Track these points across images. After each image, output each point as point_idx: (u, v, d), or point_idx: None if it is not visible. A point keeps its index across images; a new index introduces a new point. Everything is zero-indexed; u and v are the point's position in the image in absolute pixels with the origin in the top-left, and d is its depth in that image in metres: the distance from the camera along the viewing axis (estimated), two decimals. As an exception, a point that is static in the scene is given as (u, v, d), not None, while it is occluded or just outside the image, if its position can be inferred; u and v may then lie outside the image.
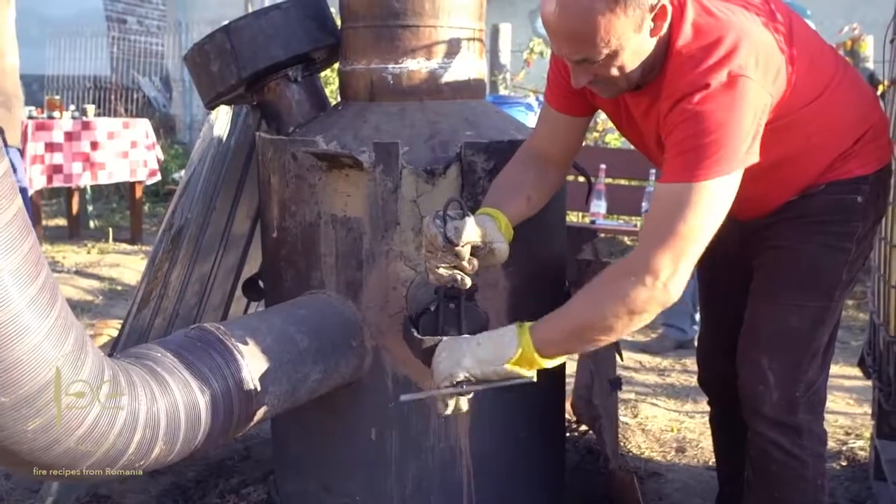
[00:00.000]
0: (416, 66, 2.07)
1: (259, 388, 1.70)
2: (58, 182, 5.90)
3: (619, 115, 1.83)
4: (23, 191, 3.12)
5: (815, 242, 1.79)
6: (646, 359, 4.07)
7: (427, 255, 1.67)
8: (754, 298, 1.89)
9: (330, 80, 5.46)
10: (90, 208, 7.30)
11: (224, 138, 2.27)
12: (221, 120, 2.25)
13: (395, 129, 2.02)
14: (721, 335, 2.06)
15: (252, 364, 1.69)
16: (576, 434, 2.91)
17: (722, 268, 2.02)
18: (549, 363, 1.62)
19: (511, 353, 1.59)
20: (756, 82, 1.53)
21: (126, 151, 6.26)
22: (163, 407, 1.48)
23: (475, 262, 1.67)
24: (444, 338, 1.66)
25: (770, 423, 1.83)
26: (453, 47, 2.09)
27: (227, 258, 2.43)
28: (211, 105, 2.23)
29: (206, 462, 2.62)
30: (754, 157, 1.56)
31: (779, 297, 1.83)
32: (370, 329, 1.97)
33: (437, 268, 1.65)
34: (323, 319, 1.93)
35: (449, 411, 1.65)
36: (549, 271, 2.13)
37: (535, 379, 1.62)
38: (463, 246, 1.62)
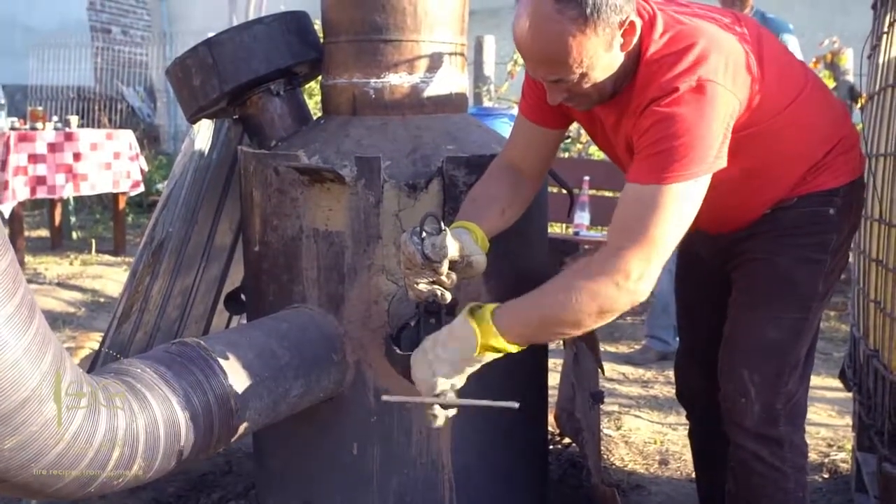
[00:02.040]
0: (399, 81, 2.07)
1: (240, 404, 1.69)
2: (41, 194, 5.86)
3: (593, 126, 1.86)
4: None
5: (790, 255, 1.81)
6: (629, 370, 4.07)
7: (406, 272, 1.68)
8: (732, 312, 1.90)
9: (314, 91, 5.46)
10: (73, 219, 7.26)
11: (206, 152, 2.26)
12: (203, 133, 2.25)
13: (377, 144, 2.02)
14: (698, 350, 2.08)
15: (233, 379, 1.69)
16: (559, 447, 2.91)
17: (698, 283, 2.05)
18: (515, 348, 1.64)
19: (473, 342, 1.61)
20: (725, 88, 1.56)
21: (109, 163, 6.23)
22: (142, 424, 1.47)
23: (454, 276, 1.68)
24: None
25: (751, 436, 1.84)
26: (435, 62, 2.10)
27: (209, 271, 2.42)
28: (193, 119, 2.22)
29: (188, 477, 2.60)
30: (722, 163, 1.59)
31: (756, 309, 1.85)
32: (352, 343, 1.96)
33: (417, 284, 1.66)
34: (304, 334, 1.92)
35: (440, 423, 1.66)
36: (531, 284, 2.12)
37: (517, 406, 1.63)
38: (441, 262, 1.62)
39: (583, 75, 1.59)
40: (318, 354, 1.91)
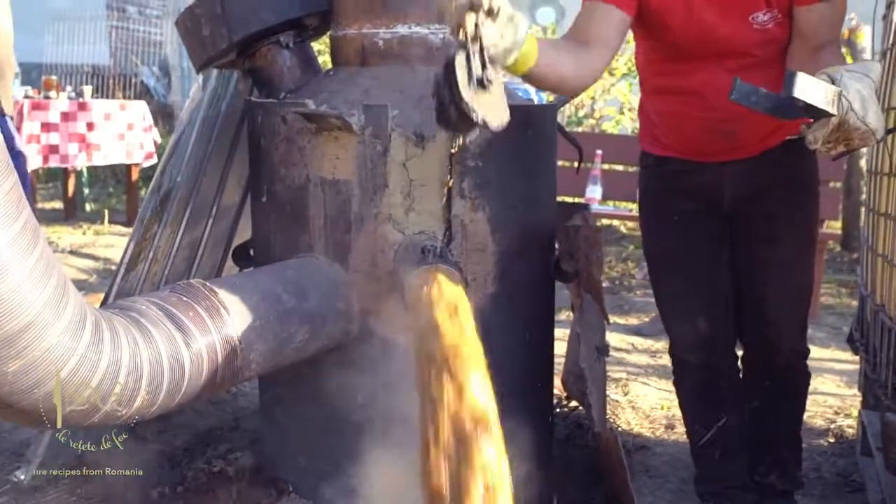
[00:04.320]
0: (408, 32, 2.07)
1: (244, 345, 1.69)
2: (54, 162, 5.89)
3: (675, 8, 1.92)
4: (19, 154, 3.12)
5: (805, 210, 2.05)
6: (638, 341, 4.07)
7: None
8: (759, 266, 2.06)
9: (322, 51, 5.46)
10: (86, 191, 7.29)
11: (214, 101, 2.27)
12: (211, 81, 2.25)
13: (385, 94, 2.01)
14: (701, 299, 2.13)
15: (237, 321, 1.69)
16: (565, 409, 2.91)
17: (697, 240, 2.08)
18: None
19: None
20: None
21: (122, 134, 6.25)
22: (146, 357, 1.48)
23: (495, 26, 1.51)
24: None
25: (787, 353, 2.11)
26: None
27: (217, 227, 2.43)
28: (202, 71, 2.22)
29: (195, 431, 2.62)
30: None
31: (783, 264, 2.05)
32: (358, 292, 1.97)
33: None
34: (310, 281, 1.92)
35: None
36: (538, 237, 2.13)
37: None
38: None
39: None
40: (323, 302, 1.91)
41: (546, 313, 2.21)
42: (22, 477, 2.05)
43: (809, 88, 1.52)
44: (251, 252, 2.39)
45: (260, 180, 2.12)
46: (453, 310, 1.71)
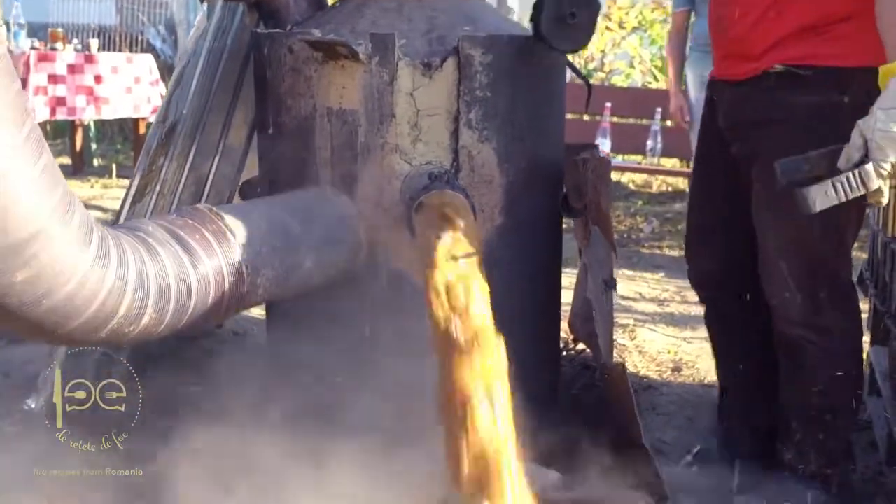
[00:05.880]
0: (415, -38, 2.04)
1: (251, 270, 1.69)
2: (61, 115, 5.88)
3: None
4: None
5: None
6: (646, 290, 4.07)
7: None
8: (757, 209, 1.91)
9: None
10: (94, 146, 7.28)
11: (219, 33, 2.25)
12: (216, 11, 2.23)
13: (392, 24, 2.00)
14: (709, 232, 2.09)
15: (244, 246, 1.69)
16: (572, 353, 2.91)
17: (715, 166, 2.04)
18: None
19: None
20: None
21: (129, 87, 6.22)
22: (153, 275, 1.48)
23: None
24: None
25: (800, 325, 1.87)
26: (453, -58, 2.06)
27: (224, 164, 2.42)
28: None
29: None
30: None
31: (779, 204, 1.81)
32: (365, 223, 1.96)
33: None
34: (317, 211, 1.92)
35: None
36: (546, 170, 2.11)
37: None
38: None
39: None
40: (330, 231, 1.91)
41: (553, 248, 2.20)
42: (33, 405, 2.07)
43: (826, 197, 1.46)
44: (258, 190, 2.39)
45: (266, 112, 2.11)
46: (460, 239, 1.72)
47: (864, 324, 2.07)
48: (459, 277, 1.69)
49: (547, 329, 2.28)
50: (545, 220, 2.13)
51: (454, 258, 1.69)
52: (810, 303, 1.84)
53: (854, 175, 1.42)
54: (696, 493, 1.98)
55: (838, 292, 1.87)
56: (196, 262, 1.58)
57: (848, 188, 1.42)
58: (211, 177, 2.36)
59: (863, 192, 1.43)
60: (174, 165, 2.20)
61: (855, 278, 2.14)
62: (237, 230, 1.69)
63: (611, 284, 2.08)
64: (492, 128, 1.97)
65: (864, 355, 2.06)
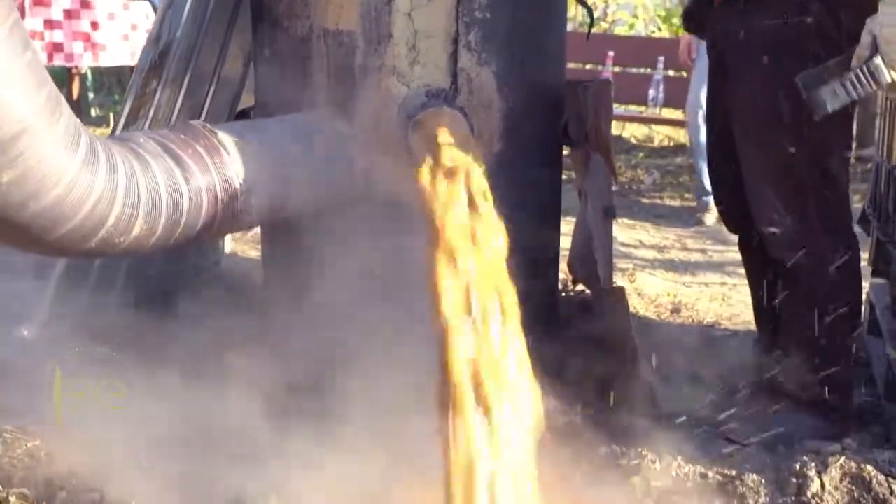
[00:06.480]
0: None
1: (244, 188, 1.66)
2: (59, 61, 5.80)
3: None
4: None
5: (768, 87, 1.81)
6: (645, 237, 4.05)
7: None
8: (739, 139, 1.93)
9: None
10: (91, 96, 7.22)
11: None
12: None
13: (390, -57, 1.95)
14: (727, 161, 2.06)
15: (238, 163, 1.66)
16: (571, 293, 2.89)
17: (717, 103, 2.04)
18: None
19: None
20: None
21: (126, 34, 6.14)
22: (143, 185, 1.45)
23: None
24: None
25: (793, 250, 1.86)
26: None
27: (220, 94, 2.38)
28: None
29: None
30: None
31: (757, 134, 1.87)
32: (361, 145, 1.93)
33: None
34: (313, 132, 1.89)
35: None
36: (546, 96, 2.08)
37: None
38: None
39: None
40: (326, 154, 1.88)
41: (553, 175, 2.17)
42: (26, 333, 2.05)
43: (836, 97, 1.46)
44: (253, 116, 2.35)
45: (263, 35, 2.07)
46: (457, 157, 1.68)
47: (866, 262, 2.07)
48: (459, 164, 1.63)
49: (545, 262, 2.25)
50: (545, 146, 2.10)
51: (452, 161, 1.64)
52: (801, 226, 1.84)
53: (863, 71, 1.41)
54: (690, 417, 1.97)
55: (831, 218, 1.86)
56: (188, 176, 1.55)
57: (858, 85, 1.42)
58: (206, 105, 2.32)
59: (874, 88, 1.43)
60: (168, 92, 2.16)
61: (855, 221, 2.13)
62: (231, 148, 1.66)
63: (610, 212, 2.05)
64: (491, 50, 1.93)
65: (864, 295, 2.06)
